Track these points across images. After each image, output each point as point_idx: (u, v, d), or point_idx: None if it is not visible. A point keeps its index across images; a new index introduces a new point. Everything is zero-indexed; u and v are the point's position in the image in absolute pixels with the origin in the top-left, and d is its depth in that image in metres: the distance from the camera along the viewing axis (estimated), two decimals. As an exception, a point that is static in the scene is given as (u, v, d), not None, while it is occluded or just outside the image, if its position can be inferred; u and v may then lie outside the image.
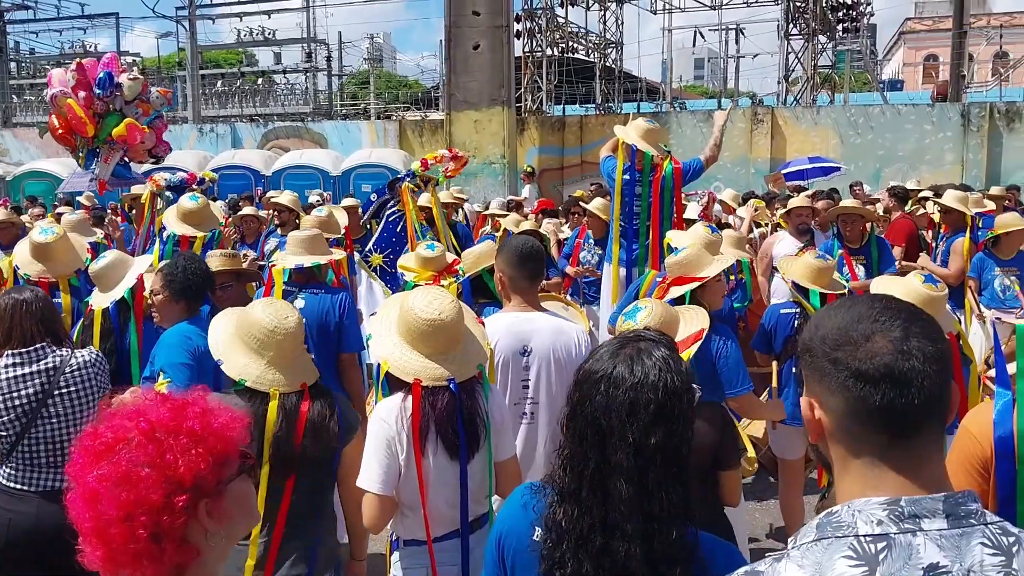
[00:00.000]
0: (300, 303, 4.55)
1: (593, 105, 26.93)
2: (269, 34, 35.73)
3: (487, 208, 10.91)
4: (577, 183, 18.97)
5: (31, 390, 3.27)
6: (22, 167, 21.84)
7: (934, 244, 8.16)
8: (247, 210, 8.39)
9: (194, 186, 8.14)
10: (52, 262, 4.76)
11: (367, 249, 7.04)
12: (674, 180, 6.00)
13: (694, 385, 1.88)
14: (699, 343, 3.22)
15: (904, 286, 3.93)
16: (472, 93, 19.76)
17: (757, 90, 38.45)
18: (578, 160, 21.48)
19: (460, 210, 10.48)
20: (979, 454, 2.32)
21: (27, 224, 8.24)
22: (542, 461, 3.49)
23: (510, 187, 18.70)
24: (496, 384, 3.39)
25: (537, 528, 1.88)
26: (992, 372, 2.78)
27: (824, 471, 4.79)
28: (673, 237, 5.37)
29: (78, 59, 13.76)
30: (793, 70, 23.57)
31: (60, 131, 13.09)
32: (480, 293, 4.58)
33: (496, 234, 7.45)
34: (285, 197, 8.20)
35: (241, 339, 2.85)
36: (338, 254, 5.34)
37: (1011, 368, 2.40)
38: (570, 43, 26.21)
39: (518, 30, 22.84)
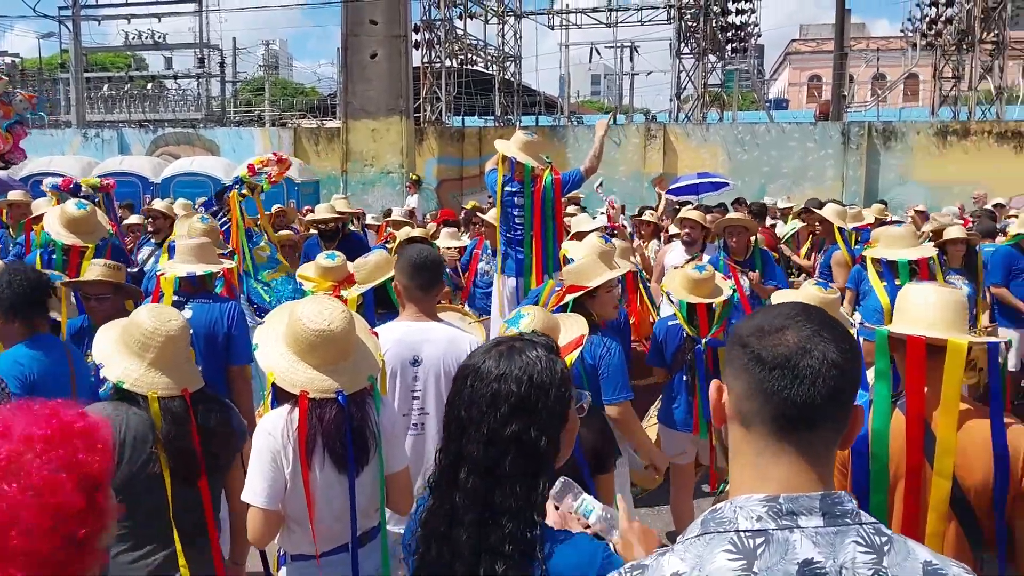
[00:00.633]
0: (188, 313, 4.39)
1: (492, 117, 27.07)
2: (159, 38, 34.54)
3: (388, 216, 10.88)
4: (476, 194, 19.01)
5: None
6: None
7: (815, 256, 8.52)
8: (133, 218, 8.08)
9: (94, 193, 7.63)
10: None
11: None
12: (554, 190, 6.12)
13: (581, 390, 1.90)
14: (580, 348, 3.24)
15: (803, 292, 4.37)
16: (370, 102, 19.61)
17: (651, 107, 39.54)
18: (477, 171, 21.53)
19: (357, 219, 10.38)
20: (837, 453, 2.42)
21: None
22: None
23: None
24: (386, 394, 3.34)
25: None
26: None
27: (715, 477, 4.92)
28: (570, 247, 5.44)
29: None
30: (684, 88, 24.26)
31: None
32: (381, 304, 4.53)
33: (389, 244, 7.40)
34: (161, 203, 7.91)
35: (124, 342, 2.79)
36: (228, 263, 5.19)
37: (870, 374, 2.52)
38: (469, 55, 26.32)
39: (416, 41, 22.80)
